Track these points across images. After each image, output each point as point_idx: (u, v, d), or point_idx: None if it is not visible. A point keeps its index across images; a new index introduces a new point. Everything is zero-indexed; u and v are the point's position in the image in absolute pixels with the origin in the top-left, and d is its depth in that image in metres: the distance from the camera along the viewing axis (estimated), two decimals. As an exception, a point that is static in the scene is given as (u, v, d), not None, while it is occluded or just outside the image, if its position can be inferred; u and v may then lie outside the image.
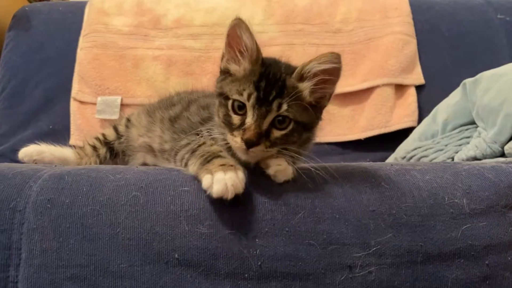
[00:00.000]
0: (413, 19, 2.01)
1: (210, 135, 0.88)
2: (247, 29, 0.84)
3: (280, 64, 0.90)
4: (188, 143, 0.89)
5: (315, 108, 0.87)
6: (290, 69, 0.87)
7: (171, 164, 0.92)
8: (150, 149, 1.14)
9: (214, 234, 0.71)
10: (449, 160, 1.49)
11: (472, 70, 1.78)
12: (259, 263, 0.70)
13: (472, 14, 2.05)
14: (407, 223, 0.73)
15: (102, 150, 1.18)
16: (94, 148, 1.18)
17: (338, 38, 1.97)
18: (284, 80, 0.84)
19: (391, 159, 1.72)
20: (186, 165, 0.83)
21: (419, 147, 1.59)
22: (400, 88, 1.92)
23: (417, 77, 1.93)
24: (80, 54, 1.93)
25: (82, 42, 1.96)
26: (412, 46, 1.95)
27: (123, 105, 1.88)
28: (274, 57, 0.93)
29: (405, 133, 1.81)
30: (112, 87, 1.90)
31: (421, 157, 1.56)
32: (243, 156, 0.82)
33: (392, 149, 1.78)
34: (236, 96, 0.83)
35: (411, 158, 1.60)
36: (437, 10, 2.07)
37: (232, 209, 0.73)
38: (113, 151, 1.20)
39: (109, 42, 1.94)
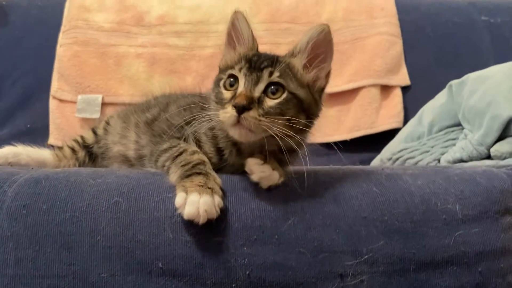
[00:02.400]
0: (399, 19, 2.00)
1: (199, 144, 0.86)
2: (244, 19, 0.86)
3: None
4: (170, 147, 0.85)
5: (312, 89, 0.86)
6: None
7: (152, 170, 0.88)
8: (125, 159, 1.09)
9: (199, 242, 0.68)
10: (435, 162, 1.49)
11: (457, 71, 1.79)
12: (247, 272, 0.67)
13: (457, 16, 2.06)
14: (399, 230, 0.71)
15: (81, 153, 1.13)
16: (73, 150, 1.13)
17: (324, 38, 1.95)
18: (277, 57, 0.85)
19: (377, 160, 1.72)
20: (167, 172, 0.80)
21: (405, 149, 1.59)
22: (385, 89, 1.91)
23: (402, 77, 1.93)
24: (60, 50, 1.87)
25: (62, 39, 1.90)
26: (398, 46, 1.95)
27: (104, 104, 1.83)
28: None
29: (390, 134, 1.81)
30: (93, 85, 1.84)
31: (407, 158, 1.56)
32: (235, 132, 0.78)
33: (378, 150, 1.77)
34: (229, 71, 0.83)
35: (397, 159, 1.59)
36: (422, 11, 2.07)
37: (218, 216, 0.70)
38: (92, 154, 1.15)
39: (90, 38, 1.88)
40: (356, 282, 0.68)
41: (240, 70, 0.82)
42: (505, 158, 1.25)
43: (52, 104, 1.83)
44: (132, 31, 1.92)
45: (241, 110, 0.76)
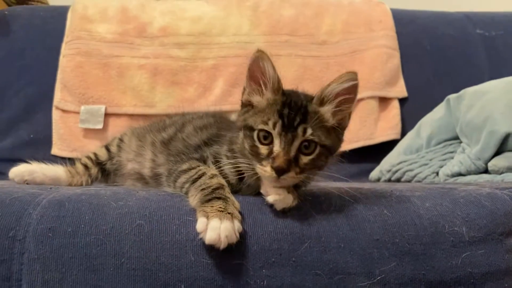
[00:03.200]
0: (396, 32, 2.05)
1: (218, 164, 0.88)
2: (269, 59, 0.85)
3: (298, 93, 0.91)
4: (189, 169, 0.88)
5: (337, 130, 0.89)
6: (309, 96, 0.89)
7: (170, 188, 0.91)
8: (140, 177, 1.12)
9: (220, 264, 0.70)
10: (434, 175, 1.53)
11: (453, 84, 1.84)
12: (267, 294, 0.71)
13: (453, 29, 2.11)
14: (410, 252, 0.74)
15: (94, 170, 1.15)
16: (86, 167, 1.15)
17: (324, 50, 1.99)
18: (306, 107, 0.85)
19: (376, 171, 1.75)
20: (186, 194, 0.83)
21: (404, 161, 1.63)
22: (383, 100, 1.96)
23: (400, 90, 1.97)
24: (63, 61, 1.89)
25: (64, 49, 1.91)
26: (395, 59, 1.99)
27: (107, 115, 1.85)
28: (292, 88, 0.94)
29: (388, 145, 1.85)
30: (96, 96, 1.86)
31: (407, 170, 1.59)
32: (272, 184, 0.81)
33: (376, 160, 1.80)
34: (261, 126, 0.84)
35: (396, 171, 1.63)
36: (419, 24, 2.11)
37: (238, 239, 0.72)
38: (104, 171, 1.18)
39: (93, 49, 1.90)
40: (370, 303, 0.71)
41: (274, 127, 0.83)
42: (502, 172, 1.29)
43: (55, 114, 1.85)
44: (134, 42, 1.94)
45: (281, 173, 0.79)
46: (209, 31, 1.97)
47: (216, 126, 1.04)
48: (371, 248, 0.74)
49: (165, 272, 0.70)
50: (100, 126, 1.83)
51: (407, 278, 0.73)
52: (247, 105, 0.92)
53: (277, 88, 0.88)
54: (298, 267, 0.72)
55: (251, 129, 0.86)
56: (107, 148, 1.20)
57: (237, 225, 0.73)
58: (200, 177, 0.83)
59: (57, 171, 1.07)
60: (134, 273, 0.70)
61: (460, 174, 1.41)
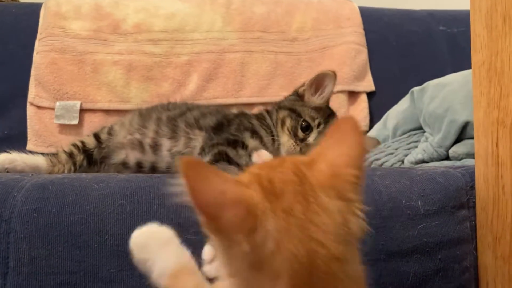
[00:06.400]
0: (364, 29, 2.12)
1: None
2: (335, 80, 1.12)
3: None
4: (227, 155, 1.01)
5: None
6: None
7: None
8: (138, 145, 1.19)
9: (200, 240, 0.75)
10: (399, 163, 1.61)
11: (418, 78, 1.91)
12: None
13: (417, 26, 2.19)
14: (370, 225, 0.80)
15: (80, 157, 1.18)
16: (71, 155, 1.18)
17: (295, 47, 2.05)
18: None
19: (345, 161, 1.82)
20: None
21: (372, 151, 1.70)
22: (352, 94, 2.03)
23: (368, 84, 2.05)
24: (37, 58, 1.89)
25: (38, 46, 1.91)
26: (363, 55, 2.07)
27: (82, 110, 1.86)
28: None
29: (357, 137, 1.92)
30: (71, 92, 1.87)
31: (374, 160, 1.66)
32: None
33: (346, 152, 1.88)
34: (308, 119, 1.09)
35: (364, 161, 1.70)
36: (385, 21, 2.19)
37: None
38: (91, 158, 1.21)
39: (67, 46, 1.91)
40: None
41: (318, 126, 1.08)
42: (462, 158, 1.37)
43: (30, 110, 1.85)
44: (108, 39, 1.96)
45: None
46: (182, 28, 2.00)
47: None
48: (336, 222, 0.80)
49: (146, 247, 0.75)
50: (75, 121, 1.84)
51: (369, 248, 0.80)
52: (298, 95, 1.18)
53: (326, 101, 1.15)
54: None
55: (298, 115, 1.10)
56: (96, 136, 1.25)
57: None
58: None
59: (37, 160, 1.10)
60: (118, 249, 0.74)
61: (423, 161, 1.49)
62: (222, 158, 1.01)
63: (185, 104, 1.39)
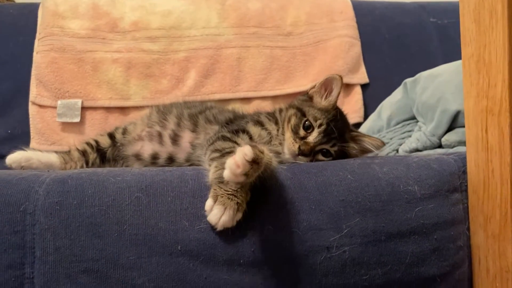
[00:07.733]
0: (357, 22, 2.17)
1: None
2: (341, 85, 1.16)
3: (345, 119, 1.22)
4: (229, 139, 1.01)
5: (346, 155, 1.16)
6: (350, 128, 1.22)
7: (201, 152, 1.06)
8: (157, 136, 1.25)
9: (211, 229, 0.81)
10: (394, 152, 1.65)
11: (410, 70, 1.95)
12: (252, 249, 0.81)
13: (408, 18, 2.23)
14: (371, 209, 0.86)
15: (93, 156, 1.23)
16: (84, 153, 1.22)
17: (290, 41, 2.09)
18: (344, 133, 1.15)
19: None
20: (210, 162, 0.91)
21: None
22: (347, 87, 2.07)
23: (362, 76, 2.10)
24: (37, 57, 1.92)
25: (38, 46, 1.94)
26: (357, 48, 2.11)
27: (84, 108, 1.90)
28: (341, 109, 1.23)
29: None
30: (72, 90, 1.91)
31: (370, 150, 1.72)
32: (290, 157, 1.08)
33: (342, 143, 1.92)
34: (311, 119, 1.13)
35: (360, 151, 1.74)
36: (377, 14, 2.23)
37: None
38: (104, 157, 1.26)
39: (66, 45, 1.94)
40: (339, 253, 0.83)
41: (319, 126, 1.11)
42: (454, 146, 1.41)
43: (32, 109, 1.89)
44: (107, 37, 1.99)
45: (301, 154, 1.07)
46: (179, 25, 2.04)
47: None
48: (338, 207, 0.85)
49: (163, 236, 0.80)
50: (77, 119, 1.88)
51: (370, 230, 0.85)
52: (308, 96, 1.23)
53: (333, 104, 1.18)
54: (278, 226, 0.84)
55: (303, 114, 1.14)
56: (111, 135, 1.29)
57: (239, 216, 0.81)
58: (228, 153, 0.89)
59: (51, 157, 1.14)
60: (136, 238, 0.79)
61: (417, 150, 1.52)
62: (219, 140, 1.02)
63: (204, 103, 1.46)
